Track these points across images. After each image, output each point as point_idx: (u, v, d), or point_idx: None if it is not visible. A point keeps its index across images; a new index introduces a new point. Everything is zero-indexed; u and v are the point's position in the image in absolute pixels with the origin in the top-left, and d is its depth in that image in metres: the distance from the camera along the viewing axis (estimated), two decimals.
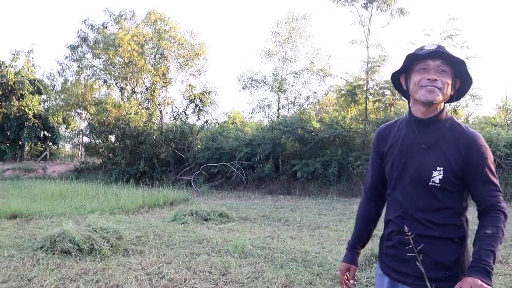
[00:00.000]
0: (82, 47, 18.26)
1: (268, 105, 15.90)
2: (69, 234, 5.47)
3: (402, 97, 11.82)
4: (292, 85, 15.61)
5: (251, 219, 8.86)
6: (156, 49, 16.56)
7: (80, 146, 23.39)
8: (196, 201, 11.56)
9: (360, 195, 13.37)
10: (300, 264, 4.98)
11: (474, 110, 14.16)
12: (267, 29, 16.01)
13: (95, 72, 18.52)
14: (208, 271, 4.68)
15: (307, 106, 15.81)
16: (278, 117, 15.83)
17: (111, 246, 5.56)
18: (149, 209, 10.13)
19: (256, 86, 15.77)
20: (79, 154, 24.50)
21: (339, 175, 14.02)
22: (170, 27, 16.90)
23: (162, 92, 17.57)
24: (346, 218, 8.94)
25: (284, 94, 15.62)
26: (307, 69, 15.58)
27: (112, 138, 18.68)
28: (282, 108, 15.96)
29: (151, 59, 17.16)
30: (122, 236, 5.97)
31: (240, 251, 5.58)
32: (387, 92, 14.00)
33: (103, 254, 5.27)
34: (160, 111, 17.68)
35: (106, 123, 16.63)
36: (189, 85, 17.62)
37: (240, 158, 15.49)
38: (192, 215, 8.45)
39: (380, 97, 14.28)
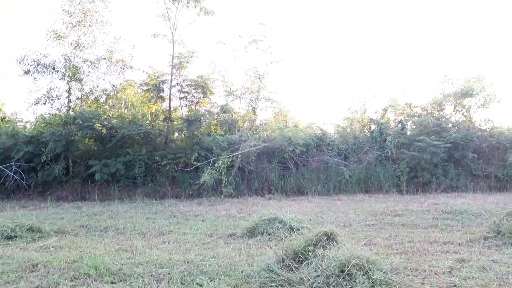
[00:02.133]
0: None
1: (57, 96, 13.33)
2: None
3: (209, 96, 11.58)
4: (88, 75, 13.55)
5: (69, 231, 7.13)
6: None
7: None
8: None
9: (168, 196, 12.62)
10: (204, 278, 4.05)
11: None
12: (57, 6, 13.27)
13: None
14: None
15: (104, 99, 14.01)
16: (69, 110, 13.49)
17: None
18: None
19: (43, 72, 13.05)
20: None
21: (145, 176, 12.94)
22: None
23: None
24: (183, 220, 8.16)
25: (79, 84, 13.39)
26: (105, 58, 13.80)
27: None
28: (77, 99, 13.67)
29: None
30: None
31: (109, 273, 4.21)
32: (194, 90, 13.69)
33: None
34: None
35: None
36: None
37: (18, 160, 12.55)
38: None
39: (186, 95, 13.85)
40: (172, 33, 13.83)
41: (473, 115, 14.47)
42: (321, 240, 4.16)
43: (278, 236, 5.94)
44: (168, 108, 14.20)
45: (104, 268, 4.33)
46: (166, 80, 13.78)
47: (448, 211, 8.37)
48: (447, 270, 4.27)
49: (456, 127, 13.79)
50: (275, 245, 5.50)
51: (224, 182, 12.20)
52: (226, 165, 12.24)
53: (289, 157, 13.37)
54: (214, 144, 12.68)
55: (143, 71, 13.97)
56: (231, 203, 10.80)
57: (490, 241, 5.54)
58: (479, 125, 14.19)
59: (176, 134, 14.24)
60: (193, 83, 13.62)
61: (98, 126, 12.95)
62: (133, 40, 17.70)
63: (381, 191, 12.48)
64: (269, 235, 6.04)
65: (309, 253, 3.96)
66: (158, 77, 13.77)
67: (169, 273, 4.18)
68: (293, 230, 6.18)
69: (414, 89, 24.20)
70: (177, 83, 13.73)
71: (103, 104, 14.03)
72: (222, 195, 12.10)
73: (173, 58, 13.72)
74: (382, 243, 5.53)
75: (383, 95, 23.92)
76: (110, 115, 13.79)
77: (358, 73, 25.90)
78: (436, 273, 4.17)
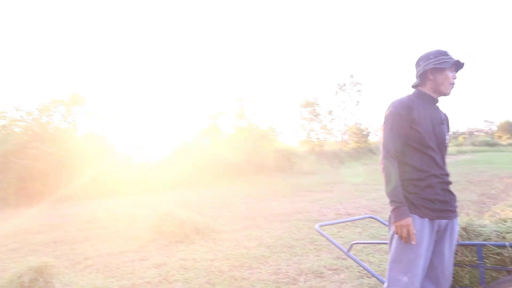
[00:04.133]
0: None
1: None
2: None
3: None
4: None
5: None
6: None
7: None
8: None
9: None
10: None
11: None
12: None
13: None
14: None
15: None
16: None
17: None
18: None
19: None
20: None
21: None
22: None
23: None
24: None
25: None
26: None
27: None
28: None
29: None
30: None
31: None
32: None
33: None
34: None
35: None
36: None
37: None
38: None
39: None
40: None
41: (79, 124, 14.98)
42: (37, 279, 3.42)
43: None
44: None
45: None
46: None
47: (86, 221, 8.31)
48: (162, 278, 4.29)
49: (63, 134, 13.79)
50: None
51: None
52: None
53: None
54: None
55: None
56: None
57: (159, 242, 5.89)
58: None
59: None
60: None
61: None
62: None
63: None
64: None
65: None
66: None
67: None
68: None
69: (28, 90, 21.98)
70: None
71: None
72: None
73: None
74: (69, 269, 5.00)
75: None
76: None
77: None
78: (149, 283, 4.17)
